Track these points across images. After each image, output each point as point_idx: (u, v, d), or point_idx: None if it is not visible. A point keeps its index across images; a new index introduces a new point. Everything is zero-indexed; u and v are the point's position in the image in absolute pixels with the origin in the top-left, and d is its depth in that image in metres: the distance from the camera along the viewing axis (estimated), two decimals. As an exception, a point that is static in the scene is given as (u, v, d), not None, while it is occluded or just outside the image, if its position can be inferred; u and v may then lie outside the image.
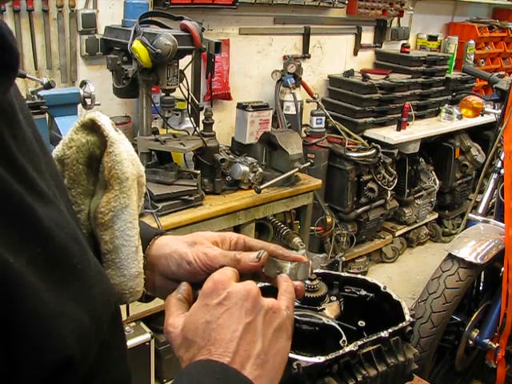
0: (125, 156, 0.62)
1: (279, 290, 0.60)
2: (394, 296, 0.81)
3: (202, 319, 0.54)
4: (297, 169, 2.50)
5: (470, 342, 2.22)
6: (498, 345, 2.14)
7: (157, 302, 0.71)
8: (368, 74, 3.49)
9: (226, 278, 0.57)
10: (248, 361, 0.52)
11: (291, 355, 0.67)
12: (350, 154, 3.18)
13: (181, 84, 2.18)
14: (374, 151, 3.22)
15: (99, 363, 0.48)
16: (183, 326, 0.56)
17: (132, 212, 0.62)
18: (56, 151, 0.63)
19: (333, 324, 0.76)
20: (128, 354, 0.61)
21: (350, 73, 3.57)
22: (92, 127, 0.63)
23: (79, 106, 2.17)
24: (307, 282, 0.80)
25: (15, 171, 0.40)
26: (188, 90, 2.23)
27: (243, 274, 0.63)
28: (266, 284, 0.67)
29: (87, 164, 0.63)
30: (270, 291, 0.61)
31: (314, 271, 0.83)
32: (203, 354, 0.52)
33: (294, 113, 3.11)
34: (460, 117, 3.73)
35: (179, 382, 0.51)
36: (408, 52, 3.82)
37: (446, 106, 3.91)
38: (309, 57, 3.50)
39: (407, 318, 0.77)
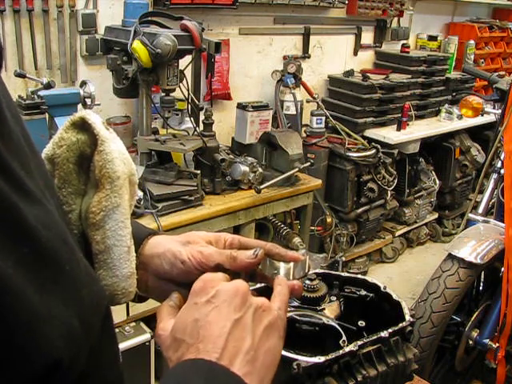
0: (116, 155, 0.61)
1: (273, 293, 0.60)
2: (394, 296, 0.81)
3: (190, 318, 0.54)
4: (297, 169, 2.50)
5: (470, 342, 2.22)
6: (497, 345, 2.14)
7: (157, 302, 0.71)
8: (368, 74, 3.49)
9: (216, 278, 0.57)
10: (237, 357, 0.51)
11: (291, 355, 0.67)
12: (350, 154, 3.18)
13: (181, 84, 2.18)
14: (374, 151, 3.22)
15: (89, 367, 0.47)
16: (173, 327, 0.56)
17: (124, 211, 0.61)
18: (46, 150, 0.62)
19: (333, 324, 0.76)
20: (128, 354, 0.61)
21: (350, 73, 3.57)
22: (82, 126, 0.62)
23: (79, 106, 2.17)
24: (307, 281, 0.80)
25: (1, 169, 0.39)
26: (188, 90, 2.23)
27: (239, 274, 0.63)
28: (263, 285, 0.67)
29: (78, 163, 0.62)
30: (267, 293, 0.61)
31: (314, 271, 0.83)
32: (191, 352, 0.52)
33: (294, 113, 3.11)
34: (460, 117, 3.73)
35: (166, 383, 0.51)
36: (408, 52, 3.82)
37: (446, 105, 3.91)
38: (309, 57, 3.50)
39: (407, 317, 0.77)
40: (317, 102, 3.24)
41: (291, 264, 0.64)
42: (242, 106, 2.69)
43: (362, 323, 0.79)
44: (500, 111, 2.52)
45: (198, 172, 2.23)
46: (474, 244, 2.11)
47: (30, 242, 0.40)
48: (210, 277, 0.57)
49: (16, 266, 0.38)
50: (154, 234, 0.70)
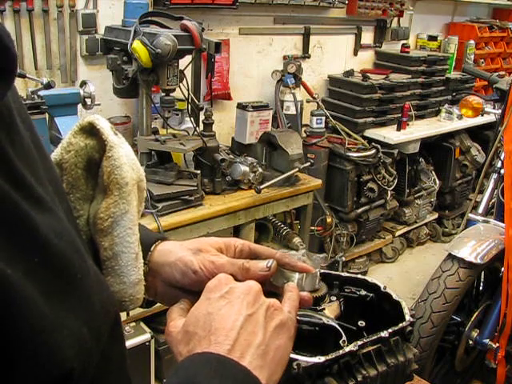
0: (124, 160, 0.60)
1: (283, 298, 0.60)
2: (394, 296, 0.81)
3: (203, 311, 0.55)
4: (297, 169, 2.50)
5: (470, 342, 2.22)
6: (497, 345, 2.14)
7: (157, 303, 0.71)
8: (368, 74, 3.49)
9: (230, 277, 0.59)
10: (248, 350, 0.52)
11: (291, 355, 0.67)
12: (350, 154, 3.18)
13: (181, 84, 2.18)
14: (373, 151, 3.22)
15: (98, 374, 0.46)
16: (185, 321, 0.56)
17: (132, 218, 0.61)
18: (54, 155, 0.61)
19: (333, 324, 0.76)
20: (128, 354, 0.61)
21: (349, 73, 3.57)
22: (91, 131, 0.61)
23: (79, 106, 2.18)
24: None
25: (12, 178, 0.39)
26: (188, 90, 2.23)
27: None
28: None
29: (86, 168, 0.62)
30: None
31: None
32: (203, 344, 0.52)
33: (294, 113, 3.11)
34: (460, 117, 3.73)
35: (175, 377, 0.50)
36: (408, 52, 3.82)
37: (446, 105, 3.91)
38: (309, 57, 3.50)
39: (407, 317, 0.76)
40: (317, 102, 3.24)
41: (302, 275, 0.64)
42: (242, 106, 2.69)
43: (362, 323, 0.79)
44: (500, 111, 2.52)
45: (198, 172, 2.22)
46: (473, 244, 2.11)
47: (42, 250, 0.40)
48: (225, 276, 0.59)
49: (26, 275, 0.37)
50: (163, 239, 0.69)
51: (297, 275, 0.65)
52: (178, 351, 0.55)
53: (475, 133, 4.08)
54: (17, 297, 0.36)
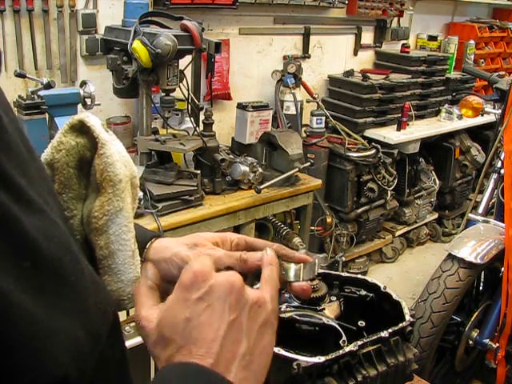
0: (117, 157, 0.59)
1: (262, 275, 0.57)
2: (394, 296, 0.81)
3: (181, 315, 0.50)
4: (297, 169, 2.49)
5: (470, 342, 2.22)
6: (497, 345, 2.14)
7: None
8: (368, 74, 3.49)
9: (207, 268, 0.52)
10: (233, 362, 0.49)
11: (291, 355, 0.67)
12: (350, 154, 3.18)
13: (181, 84, 2.18)
14: (373, 151, 3.22)
15: (97, 377, 0.45)
16: (159, 320, 0.52)
17: (126, 215, 0.60)
18: (45, 155, 0.60)
19: (333, 324, 0.76)
20: (127, 354, 0.60)
21: (349, 73, 3.57)
22: (81, 129, 0.61)
23: (79, 106, 2.17)
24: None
25: (0, 180, 0.38)
26: (188, 90, 2.23)
27: (247, 275, 0.61)
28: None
29: (78, 167, 0.61)
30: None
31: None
32: (183, 354, 0.49)
33: (294, 113, 3.11)
34: (460, 117, 3.73)
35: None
36: (408, 52, 3.82)
37: (446, 105, 3.91)
38: (309, 57, 3.50)
39: (407, 317, 0.77)
40: (317, 102, 3.24)
41: (301, 265, 0.63)
42: (242, 106, 2.69)
43: (362, 323, 0.79)
44: (500, 111, 2.52)
45: (198, 172, 2.22)
46: (473, 244, 2.11)
47: (31, 255, 0.39)
48: (200, 267, 0.52)
49: (17, 281, 0.36)
50: (158, 236, 0.69)
51: (294, 265, 0.64)
52: (154, 353, 0.52)
53: (475, 133, 4.08)
54: (5, 303, 0.35)
